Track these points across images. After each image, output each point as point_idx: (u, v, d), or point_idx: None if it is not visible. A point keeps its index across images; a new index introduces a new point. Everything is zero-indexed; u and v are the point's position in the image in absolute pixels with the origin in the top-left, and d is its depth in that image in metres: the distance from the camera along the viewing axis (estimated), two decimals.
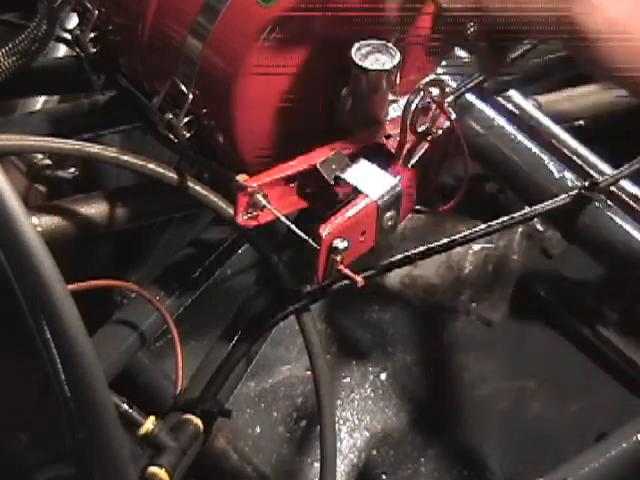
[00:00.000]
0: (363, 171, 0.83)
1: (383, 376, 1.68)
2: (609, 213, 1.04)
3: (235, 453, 1.46)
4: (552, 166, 1.09)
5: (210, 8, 0.85)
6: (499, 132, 1.12)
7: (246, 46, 0.83)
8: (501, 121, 1.13)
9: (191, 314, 1.08)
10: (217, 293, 1.40)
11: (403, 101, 0.85)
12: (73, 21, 0.96)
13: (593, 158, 1.11)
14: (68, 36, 0.95)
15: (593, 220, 1.05)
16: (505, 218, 1.00)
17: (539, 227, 1.81)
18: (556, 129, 1.15)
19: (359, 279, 0.81)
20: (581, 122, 1.39)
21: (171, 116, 0.88)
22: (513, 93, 1.17)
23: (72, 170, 1.31)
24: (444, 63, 1.12)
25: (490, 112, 1.13)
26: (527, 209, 1.02)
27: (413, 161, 0.85)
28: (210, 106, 0.87)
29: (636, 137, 1.29)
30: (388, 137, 0.86)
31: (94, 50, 0.94)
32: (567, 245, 1.19)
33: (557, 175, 1.08)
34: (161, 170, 0.93)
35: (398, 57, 0.83)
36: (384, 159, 0.85)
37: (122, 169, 0.93)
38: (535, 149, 1.11)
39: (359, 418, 1.63)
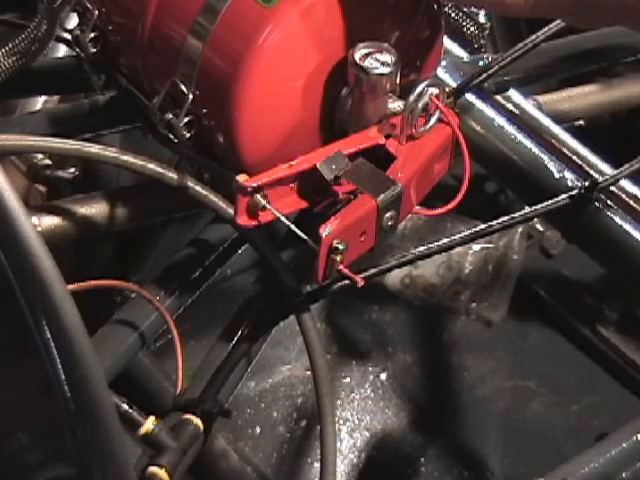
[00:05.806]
0: (363, 171, 0.83)
1: (383, 376, 1.68)
2: (609, 213, 1.04)
3: (235, 453, 1.46)
4: (552, 166, 1.09)
5: (210, 8, 0.85)
6: (499, 132, 1.12)
7: (246, 46, 0.83)
8: (501, 121, 1.13)
9: (191, 314, 1.08)
10: (217, 293, 1.40)
11: (403, 101, 0.85)
12: (73, 21, 0.95)
13: (593, 158, 1.11)
14: (68, 36, 0.95)
15: (593, 220, 1.05)
16: (505, 218, 1.00)
17: (539, 227, 1.81)
18: (556, 129, 1.14)
19: (359, 279, 0.81)
20: (581, 122, 1.39)
21: (171, 116, 0.88)
22: (513, 93, 1.17)
23: (72, 170, 1.31)
24: (444, 63, 1.12)
25: (490, 112, 1.13)
26: (527, 209, 1.02)
27: (413, 161, 0.85)
28: (210, 106, 0.87)
29: (636, 137, 1.29)
30: (388, 137, 0.86)
31: (94, 50, 0.94)
32: (567, 245, 1.19)
33: (557, 175, 1.08)
34: (161, 170, 0.93)
35: (398, 57, 0.83)
36: (384, 159, 0.85)
37: (122, 169, 0.93)
38: (535, 149, 1.11)
39: (359, 418, 1.63)
